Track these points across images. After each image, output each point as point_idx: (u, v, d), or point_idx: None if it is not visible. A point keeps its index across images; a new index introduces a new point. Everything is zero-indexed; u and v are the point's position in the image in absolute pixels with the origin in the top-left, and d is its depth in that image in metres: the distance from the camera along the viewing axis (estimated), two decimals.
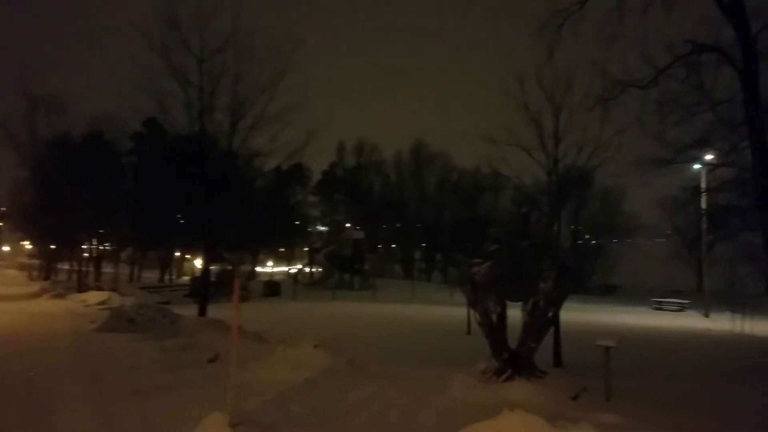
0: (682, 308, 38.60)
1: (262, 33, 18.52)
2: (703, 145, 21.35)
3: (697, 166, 26.01)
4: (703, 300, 35.39)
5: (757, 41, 16.87)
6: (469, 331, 17.63)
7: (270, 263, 74.37)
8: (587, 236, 57.82)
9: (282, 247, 72.26)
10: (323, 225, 70.35)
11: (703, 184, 26.51)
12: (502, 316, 10.68)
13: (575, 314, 22.27)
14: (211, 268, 23.90)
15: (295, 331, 16.99)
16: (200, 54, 18.24)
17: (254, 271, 65.24)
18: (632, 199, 56.45)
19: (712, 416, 8.77)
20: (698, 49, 17.76)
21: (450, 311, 24.57)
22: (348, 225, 63.06)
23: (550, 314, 10.85)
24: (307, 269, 65.28)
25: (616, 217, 59.10)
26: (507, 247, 10.73)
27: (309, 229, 69.96)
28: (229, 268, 32.34)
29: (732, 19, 16.77)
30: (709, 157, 24.20)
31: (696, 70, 18.62)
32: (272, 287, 44.75)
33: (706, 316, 33.14)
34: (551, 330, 11.81)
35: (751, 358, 15.80)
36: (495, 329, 10.56)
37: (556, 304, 11.01)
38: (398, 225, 72.38)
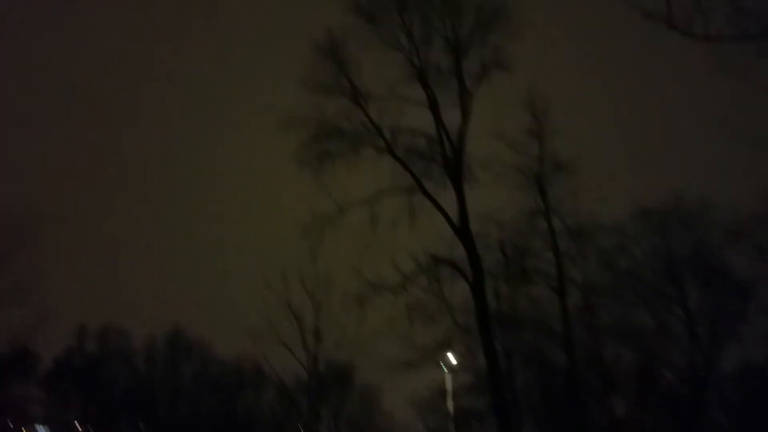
0: None
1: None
2: (445, 347, 23.50)
3: (442, 370, 28.19)
4: None
5: (482, 260, 19.97)
6: None
7: None
8: None
9: None
10: (47, 427, 58.35)
11: (449, 387, 28.59)
12: None
13: None
14: None
15: None
16: None
17: None
18: (389, 398, 57.93)
19: None
20: (437, 262, 20.36)
21: None
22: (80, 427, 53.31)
23: None
24: None
25: (374, 416, 59.69)
26: None
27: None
28: None
29: (462, 239, 19.80)
30: (451, 360, 26.55)
31: (437, 280, 21.04)
32: None
33: None
34: None
35: None
36: None
37: None
38: (141, 425, 63.29)
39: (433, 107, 19.89)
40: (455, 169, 19.87)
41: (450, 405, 29.08)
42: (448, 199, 20.13)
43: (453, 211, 20.07)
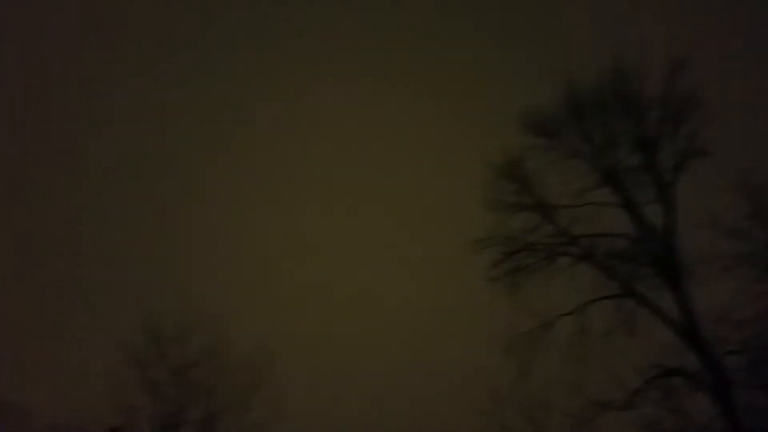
0: None
1: (239, 345, 19.08)
2: None
3: None
4: None
5: (723, 367, 17.34)
6: None
7: None
8: None
9: None
10: None
11: None
12: None
13: None
14: None
15: None
16: (176, 368, 18.52)
17: None
18: None
19: None
20: (667, 373, 18.12)
21: None
22: None
23: None
24: None
25: None
26: None
27: None
28: None
29: (692, 345, 17.58)
30: None
31: (669, 393, 18.63)
32: None
33: None
34: None
35: None
36: None
37: None
38: None
39: (630, 207, 18.96)
40: (669, 268, 18.30)
41: None
42: (667, 302, 18.40)
43: (674, 314, 18.25)
